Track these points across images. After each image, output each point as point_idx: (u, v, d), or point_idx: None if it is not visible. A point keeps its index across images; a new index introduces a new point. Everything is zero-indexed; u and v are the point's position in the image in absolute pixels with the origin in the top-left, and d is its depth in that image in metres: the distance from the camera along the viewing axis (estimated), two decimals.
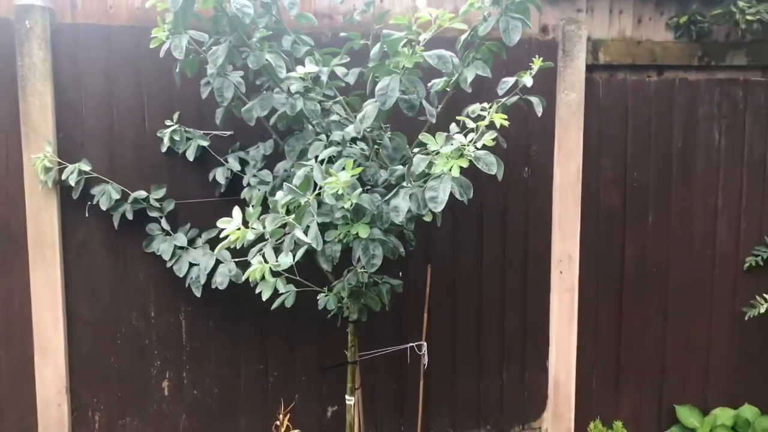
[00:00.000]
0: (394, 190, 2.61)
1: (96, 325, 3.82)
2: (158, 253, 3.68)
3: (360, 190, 2.59)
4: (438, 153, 2.45)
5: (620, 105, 4.20)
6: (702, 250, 4.34)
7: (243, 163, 3.72)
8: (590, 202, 4.18)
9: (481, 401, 4.24)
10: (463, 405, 4.23)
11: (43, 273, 3.70)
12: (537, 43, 4.07)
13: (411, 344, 3.93)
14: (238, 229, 2.42)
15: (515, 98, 2.86)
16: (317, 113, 2.98)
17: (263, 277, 2.56)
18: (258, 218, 2.52)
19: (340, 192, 2.49)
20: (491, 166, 2.36)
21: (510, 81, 2.85)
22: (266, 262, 2.50)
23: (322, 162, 2.80)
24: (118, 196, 3.62)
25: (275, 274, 2.60)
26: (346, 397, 3.42)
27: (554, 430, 4.25)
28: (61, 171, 3.62)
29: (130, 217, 3.65)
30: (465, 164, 2.34)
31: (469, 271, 4.12)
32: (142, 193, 3.68)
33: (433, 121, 2.91)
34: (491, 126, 2.45)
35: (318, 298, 3.15)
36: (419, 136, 2.61)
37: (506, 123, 2.47)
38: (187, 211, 3.79)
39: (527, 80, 2.76)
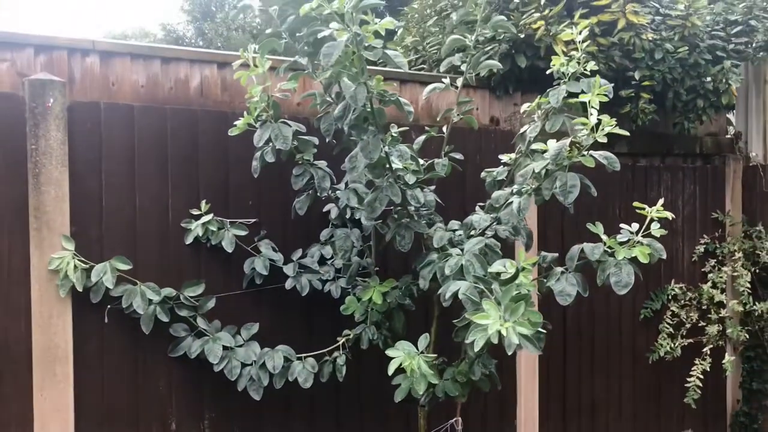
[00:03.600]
0: (557, 277, 2.86)
1: None
2: (191, 355, 3.32)
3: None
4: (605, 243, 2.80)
5: None
6: (612, 306, 5.16)
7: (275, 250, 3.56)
8: None
9: None
10: None
11: (54, 395, 3.09)
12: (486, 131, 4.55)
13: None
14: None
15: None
16: (432, 203, 3.09)
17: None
18: None
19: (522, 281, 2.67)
20: (661, 252, 2.77)
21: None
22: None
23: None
24: (157, 297, 3.21)
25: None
26: None
27: None
28: (87, 272, 3.10)
29: (165, 319, 3.26)
30: (647, 251, 2.72)
31: None
32: (172, 291, 3.31)
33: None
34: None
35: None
36: (590, 226, 2.90)
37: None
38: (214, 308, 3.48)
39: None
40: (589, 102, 2.78)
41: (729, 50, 5.05)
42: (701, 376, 5.03)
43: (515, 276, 2.62)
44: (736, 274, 5.34)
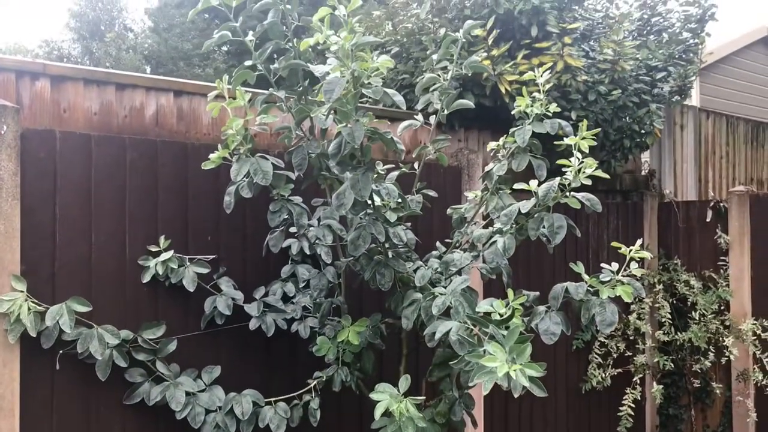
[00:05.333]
0: (541, 317, 2.88)
1: None
2: (149, 402, 3.08)
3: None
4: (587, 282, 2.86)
5: None
6: None
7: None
8: None
9: None
10: None
11: None
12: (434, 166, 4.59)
13: None
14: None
15: None
16: (412, 241, 3.05)
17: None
18: None
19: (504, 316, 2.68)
20: (640, 290, 2.86)
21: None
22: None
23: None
24: (115, 341, 2.98)
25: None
26: None
27: None
28: (41, 315, 2.83)
29: (123, 364, 3.03)
30: (630, 290, 2.79)
31: None
32: (130, 334, 3.08)
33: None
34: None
35: None
36: (572, 266, 2.94)
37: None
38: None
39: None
40: (575, 145, 2.85)
41: (653, 94, 5.37)
42: (633, 405, 5.24)
43: (511, 316, 2.62)
44: (657, 305, 5.62)
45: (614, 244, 2.97)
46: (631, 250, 2.88)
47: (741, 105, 10.01)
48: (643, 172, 6.32)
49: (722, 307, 5.58)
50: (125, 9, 25.31)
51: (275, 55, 3.06)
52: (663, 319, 5.54)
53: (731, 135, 7.50)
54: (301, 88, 3.12)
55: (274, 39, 2.98)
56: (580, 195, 2.89)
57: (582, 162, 2.84)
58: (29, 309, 2.78)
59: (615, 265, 2.90)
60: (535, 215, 2.93)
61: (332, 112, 2.70)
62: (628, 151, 5.42)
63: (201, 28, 20.85)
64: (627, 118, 5.23)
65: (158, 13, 25.59)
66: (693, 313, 5.55)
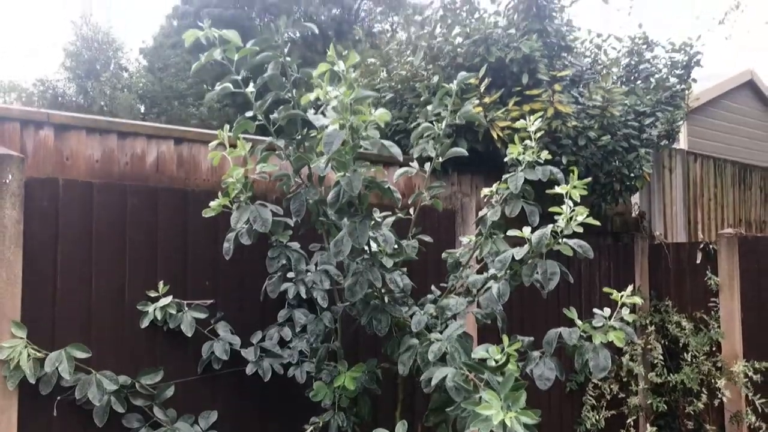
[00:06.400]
0: (536, 362, 2.92)
1: None
2: None
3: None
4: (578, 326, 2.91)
5: None
6: None
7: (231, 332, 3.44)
8: None
9: None
10: None
11: None
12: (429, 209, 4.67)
13: None
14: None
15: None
16: (409, 287, 3.11)
17: None
18: None
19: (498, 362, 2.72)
20: (632, 335, 2.91)
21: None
22: None
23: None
24: (114, 387, 3.00)
25: None
26: None
27: None
28: (40, 362, 2.86)
29: (121, 409, 3.04)
30: (622, 335, 2.85)
31: None
32: (128, 379, 3.11)
33: None
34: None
35: None
36: (565, 311, 3.00)
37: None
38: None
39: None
40: (567, 193, 2.92)
41: (642, 138, 5.48)
42: None
43: (506, 362, 2.66)
44: (649, 346, 5.66)
45: (606, 289, 3.03)
46: (622, 296, 2.93)
47: (728, 147, 10.19)
48: (633, 214, 6.41)
49: (714, 349, 5.63)
50: (121, 49, 25.54)
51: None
52: (655, 361, 5.59)
53: (719, 177, 7.63)
54: (299, 137, 3.20)
55: (274, 90, 3.07)
56: (572, 242, 2.96)
57: (573, 210, 2.91)
58: (29, 355, 2.81)
59: (607, 310, 2.95)
60: (529, 261, 2.99)
61: (331, 161, 2.77)
62: (618, 195, 5.51)
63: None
64: (617, 162, 5.34)
65: (153, 53, 25.91)
66: (685, 354, 5.59)
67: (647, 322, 5.78)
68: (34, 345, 2.87)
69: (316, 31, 3.03)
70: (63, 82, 24.86)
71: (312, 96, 2.67)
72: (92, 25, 24.44)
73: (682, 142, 8.85)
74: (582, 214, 2.92)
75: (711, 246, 5.80)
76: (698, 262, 5.85)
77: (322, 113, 2.90)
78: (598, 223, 2.97)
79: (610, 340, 2.85)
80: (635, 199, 6.44)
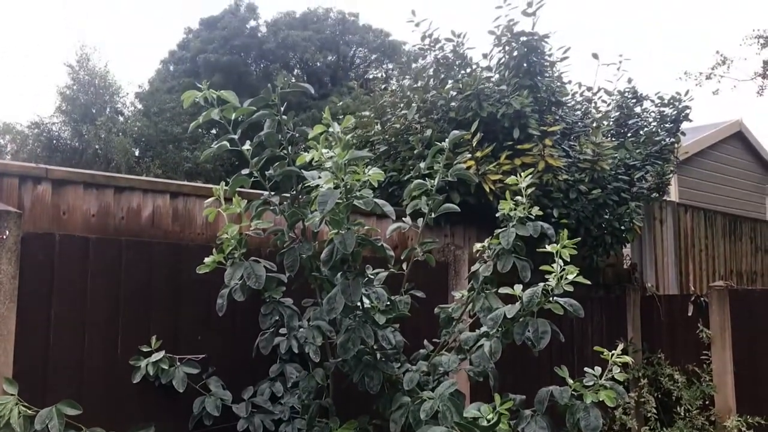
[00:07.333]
0: (527, 421, 2.92)
1: None
2: None
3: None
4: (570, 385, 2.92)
5: None
6: None
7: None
8: None
9: None
10: None
11: None
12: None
13: None
14: None
15: None
16: (401, 344, 3.13)
17: None
18: None
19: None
20: (623, 395, 2.93)
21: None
22: None
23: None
24: None
25: None
26: None
27: None
28: (31, 419, 2.84)
29: None
30: (613, 395, 2.86)
31: None
32: None
33: None
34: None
35: None
36: (557, 370, 3.01)
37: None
38: None
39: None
40: (557, 252, 2.96)
41: (632, 192, 5.56)
42: None
43: (497, 422, 2.66)
44: (642, 399, 5.65)
45: (597, 348, 3.06)
46: (613, 355, 2.95)
47: (718, 197, 10.31)
48: (625, 266, 6.46)
49: (707, 402, 5.62)
50: (117, 93, 25.78)
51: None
52: (649, 414, 5.57)
53: (710, 228, 7.70)
54: (294, 192, 3.25)
55: (270, 147, 3.13)
56: (563, 300, 2.99)
57: (564, 269, 2.95)
58: (19, 413, 2.79)
59: (598, 369, 2.97)
60: (521, 320, 3.01)
61: (325, 218, 2.81)
62: (609, 247, 5.56)
63: (191, 113, 21.33)
64: (607, 215, 5.41)
65: (149, 97, 26.15)
66: (678, 407, 5.58)
67: (640, 374, 5.78)
68: (25, 401, 2.86)
69: (312, 92, 3.09)
70: (58, 125, 25.01)
71: (308, 157, 2.73)
72: (89, 70, 24.68)
73: (673, 194, 8.97)
74: (572, 273, 2.96)
75: (702, 298, 5.84)
76: (690, 314, 5.88)
77: (316, 167, 2.96)
78: (588, 281, 3.01)
79: (600, 399, 2.86)
80: (627, 250, 6.49)
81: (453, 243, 5.01)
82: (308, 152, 2.79)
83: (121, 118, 25.36)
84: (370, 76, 27.17)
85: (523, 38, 5.31)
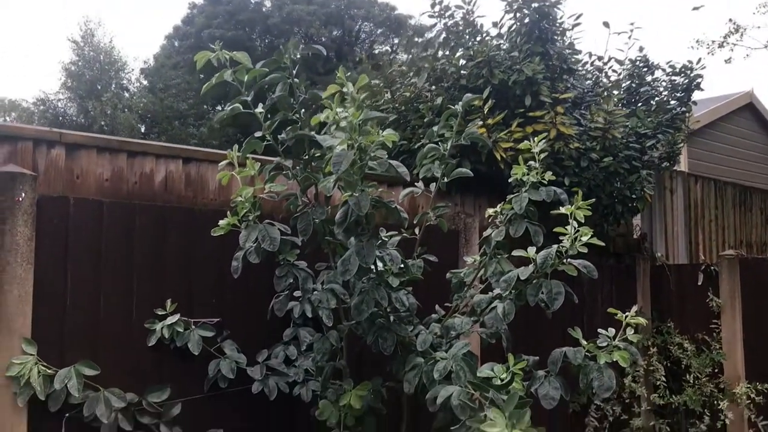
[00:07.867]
0: (541, 381, 2.94)
1: None
2: None
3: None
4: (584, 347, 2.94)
5: None
6: None
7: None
8: None
9: None
10: None
11: None
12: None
13: None
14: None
15: None
16: (414, 306, 3.14)
17: None
18: None
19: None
20: (636, 355, 2.94)
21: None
22: None
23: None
24: (122, 404, 3.02)
25: None
26: None
27: None
28: (50, 378, 2.88)
29: (129, 427, 3.06)
30: (626, 355, 2.88)
31: None
32: (135, 397, 3.12)
33: None
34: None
35: None
36: (570, 331, 3.03)
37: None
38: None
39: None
40: (571, 214, 2.96)
41: (643, 160, 5.54)
42: None
43: (510, 381, 2.68)
44: (652, 368, 5.67)
45: (610, 310, 3.06)
46: (627, 316, 2.96)
47: (728, 169, 10.26)
48: (635, 236, 6.45)
49: (716, 370, 5.63)
50: (122, 69, 25.72)
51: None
52: (658, 382, 5.59)
53: (720, 199, 7.67)
54: (307, 157, 3.25)
55: (282, 111, 3.12)
56: (576, 262, 2.99)
57: (578, 230, 2.95)
58: (39, 372, 2.83)
59: (611, 331, 2.98)
60: (534, 281, 3.02)
61: (338, 181, 2.82)
62: (620, 216, 5.55)
63: (196, 88, 21.28)
64: (618, 183, 5.38)
65: (155, 73, 26.07)
66: (687, 375, 5.60)
67: (649, 343, 5.79)
68: (44, 362, 2.90)
69: (324, 53, 3.08)
70: (64, 102, 25.01)
71: (322, 117, 2.72)
72: (94, 45, 24.61)
73: (683, 163, 8.92)
74: (586, 235, 2.96)
75: (712, 267, 5.83)
76: (700, 283, 5.87)
77: (326, 133, 2.95)
78: (602, 243, 3.01)
79: (614, 359, 2.87)
80: (637, 220, 6.47)
81: (463, 211, 5.01)
82: (322, 112, 2.78)
83: (126, 95, 25.35)
84: (376, 51, 26.99)
85: (535, 4, 5.25)
